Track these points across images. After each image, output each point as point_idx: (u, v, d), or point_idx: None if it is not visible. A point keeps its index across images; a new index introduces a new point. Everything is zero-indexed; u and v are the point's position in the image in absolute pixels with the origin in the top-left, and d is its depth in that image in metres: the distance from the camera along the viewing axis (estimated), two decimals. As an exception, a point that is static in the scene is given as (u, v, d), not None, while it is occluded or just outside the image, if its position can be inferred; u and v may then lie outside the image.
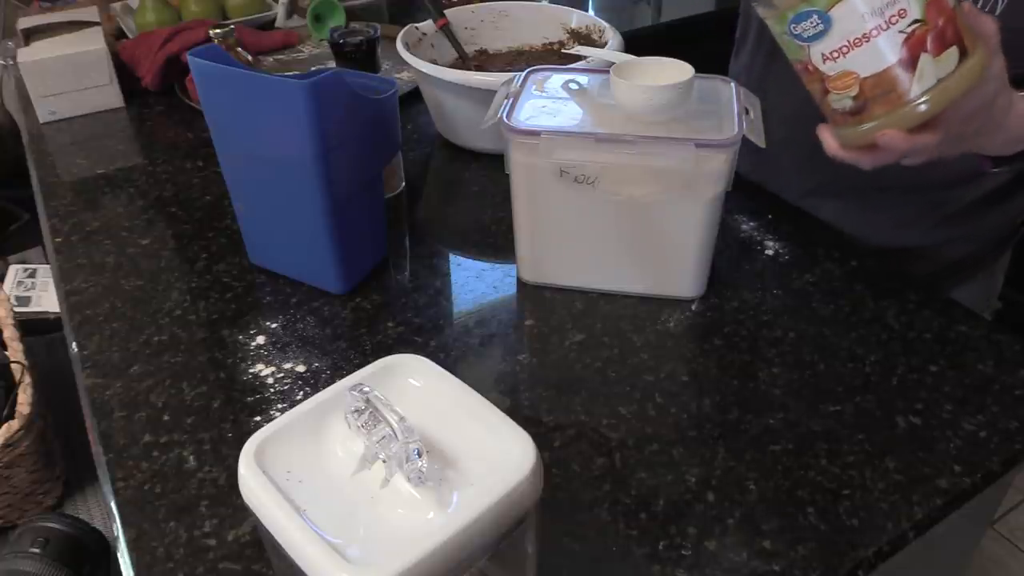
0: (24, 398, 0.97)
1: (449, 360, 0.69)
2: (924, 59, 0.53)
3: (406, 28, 1.02)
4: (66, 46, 1.12)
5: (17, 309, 1.20)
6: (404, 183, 0.93)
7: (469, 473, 0.39)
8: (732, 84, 0.73)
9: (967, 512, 0.59)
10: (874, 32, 0.52)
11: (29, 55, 1.09)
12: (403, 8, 1.47)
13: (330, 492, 0.39)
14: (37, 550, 0.89)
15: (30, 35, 1.15)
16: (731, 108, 0.70)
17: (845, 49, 0.53)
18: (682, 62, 0.71)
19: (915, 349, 0.69)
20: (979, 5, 0.67)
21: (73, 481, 1.06)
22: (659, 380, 0.67)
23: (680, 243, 0.72)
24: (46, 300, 1.30)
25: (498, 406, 0.64)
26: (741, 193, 0.87)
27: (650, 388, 0.66)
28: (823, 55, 0.54)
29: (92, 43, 1.12)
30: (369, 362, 0.68)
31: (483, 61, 1.10)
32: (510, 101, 0.72)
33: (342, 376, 0.67)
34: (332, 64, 0.96)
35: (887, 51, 0.53)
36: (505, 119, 0.69)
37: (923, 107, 0.54)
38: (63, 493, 1.04)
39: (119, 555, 0.55)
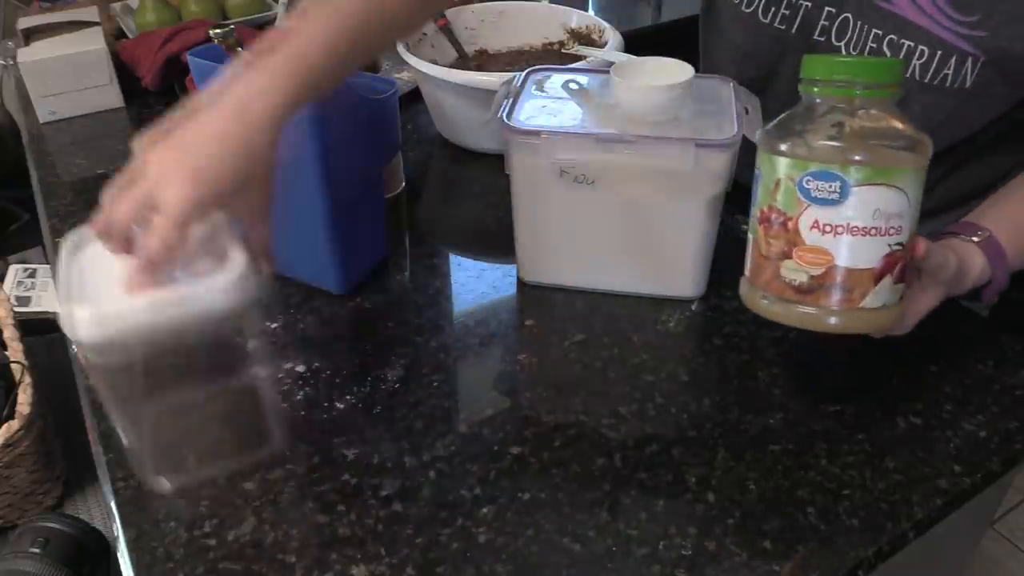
0: (24, 398, 0.97)
1: (449, 360, 0.69)
2: (887, 280, 0.52)
3: (406, 28, 1.02)
4: (66, 46, 1.12)
5: (17, 309, 1.20)
6: (404, 183, 0.93)
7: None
8: (732, 84, 0.73)
9: (967, 512, 0.59)
10: (873, 231, 0.51)
11: (29, 55, 1.09)
12: (403, 8, 1.47)
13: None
14: (37, 550, 0.89)
15: (30, 35, 1.15)
16: (731, 108, 0.70)
17: (841, 230, 0.51)
18: (682, 62, 0.71)
19: (915, 349, 0.69)
20: (951, 79, 0.68)
21: (73, 481, 1.06)
22: (659, 380, 0.67)
23: (680, 243, 0.72)
24: (46, 300, 1.30)
25: (498, 406, 0.64)
26: (741, 193, 0.87)
27: (650, 388, 0.66)
28: (815, 222, 0.51)
29: (92, 43, 1.12)
30: (369, 362, 0.69)
31: (483, 61, 1.10)
32: (510, 101, 0.72)
33: (342, 376, 0.67)
34: (332, 64, 0.96)
35: (871, 254, 0.52)
36: (505, 119, 0.69)
37: (851, 323, 0.53)
38: (63, 493, 1.04)
39: (119, 555, 0.55)
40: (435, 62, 0.97)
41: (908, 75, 0.70)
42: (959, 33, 0.66)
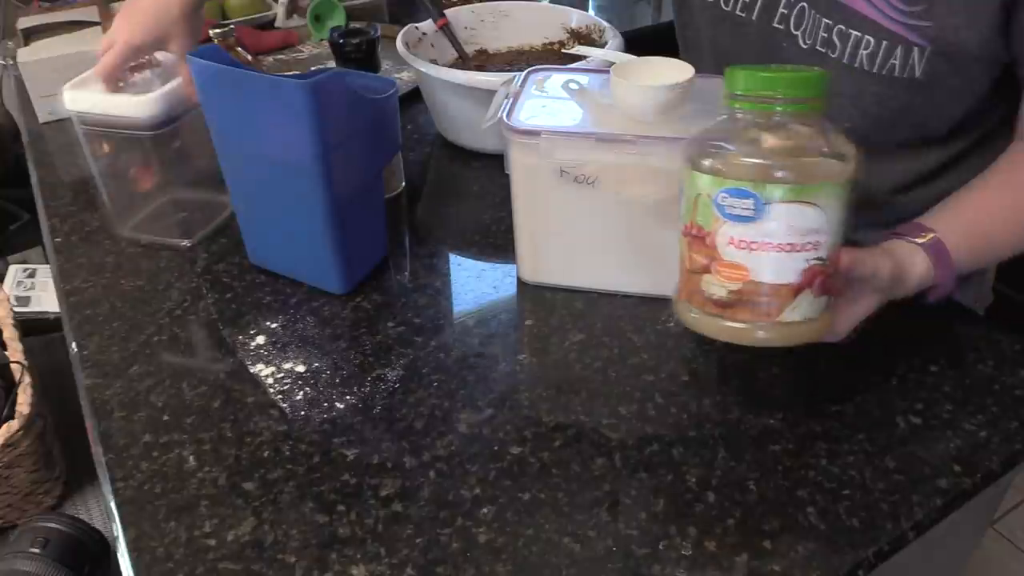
0: (24, 398, 0.97)
1: (449, 360, 0.69)
2: (806, 294, 0.52)
3: (406, 28, 1.02)
4: (66, 46, 1.12)
5: (17, 309, 1.20)
6: (404, 183, 0.93)
7: None
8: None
9: (967, 512, 0.59)
10: (788, 247, 0.50)
11: (29, 55, 1.09)
12: (403, 8, 1.47)
13: None
14: (37, 550, 0.89)
15: (30, 35, 1.15)
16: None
17: (756, 246, 0.51)
18: (682, 62, 0.71)
19: (915, 349, 0.69)
20: (899, 69, 0.69)
21: (73, 481, 1.06)
22: (659, 380, 0.67)
23: (678, 242, 0.71)
24: (46, 300, 1.30)
25: (498, 406, 0.64)
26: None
27: (650, 388, 0.66)
28: (731, 239, 0.51)
29: (92, 43, 1.12)
30: (369, 362, 0.69)
31: (483, 61, 1.10)
32: (510, 101, 0.72)
33: (342, 376, 0.67)
34: (332, 64, 0.96)
35: (788, 270, 0.51)
36: (505, 119, 0.69)
37: (774, 336, 0.53)
38: (63, 493, 1.04)
39: (119, 555, 0.55)
40: (435, 62, 0.97)
41: (856, 65, 0.70)
42: (905, 23, 0.66)
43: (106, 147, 0.83)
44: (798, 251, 0.51)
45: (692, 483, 0.58)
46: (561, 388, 0.66)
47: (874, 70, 0.70)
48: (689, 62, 0.89)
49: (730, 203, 0.50)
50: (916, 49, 0.67)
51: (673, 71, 0.70)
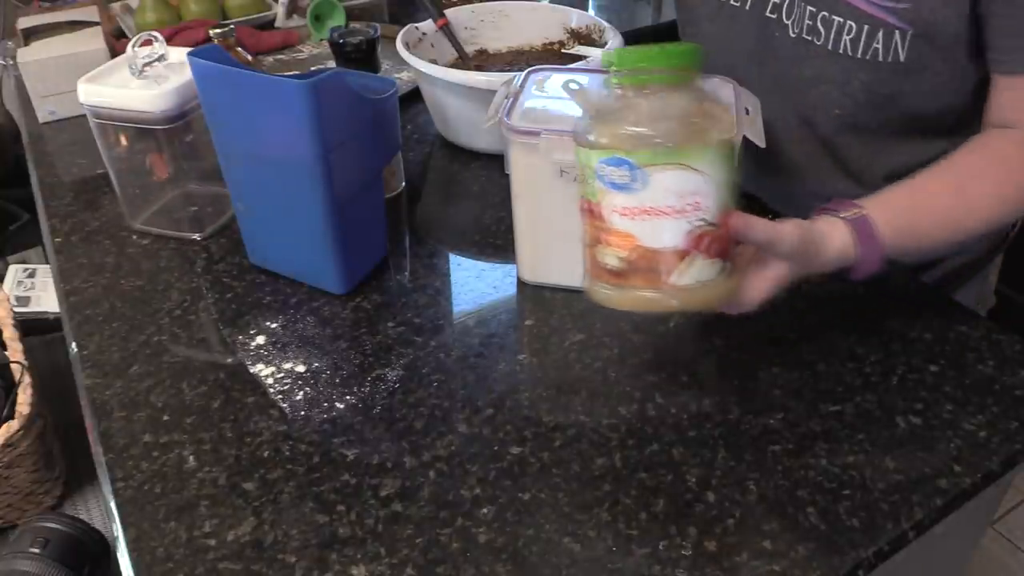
0: (24, 398, 0.97)
1: (449, 360, 0.69)
2: (695, 256, 0.53)
3: (406, 28, 1.02)
4: (66, 46, 1.12)
5: (17, 309, 1.20)
6: (404, 183, 0.93)
7: None
8: (732, 84, 0.73)
9: (967, 512, 0.59)
10: (668, 211, 0.52)
11: (29, 55, 1.09)
12: (403, 8, 1.47)
13: None
14: (37, 550, 0.89)
15: (30, 35, 1.15)
16: (731, 108, 0.70)
17: (638, 212, 0.52)
18: (682, 62, 0.71)
19: (915, 349, 0.69)
20: (883, 54, 0.69)
21: (73, 481, 1.06)
22: (659, 380, 0.67)
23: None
24: (46, 300, 1.30)
25: (498, 406, 0.64)
26: (742, 194, 0.87)
27: (650, 388, 0.66)
28: (615, 208, 0.53)
29: (92, 43, 1.12)
30: (369, 362, 0.69)
31: (483, 61, 1.10)
32: (510, 101, 0.72)
33: (342, 376, 0.67)
34: (332, 64, 0.96)
35: (672, 233, 0.52)
36: (505, 119, 0.69)
37: (674, 301, 0.54)
38: (63, 493, 1.04)
39: (119, 555, 0.55)
40: (435, 62, 0.97)
41: (841, 52, 0.71)
42: (884, 6, 0.67)
43: (119, 140, 0.83)
44: (680, 213, 0.52)
45: (692, 483, 0.58)
46: (561, 388, 0.66)
47: (858, 55, 0.70)
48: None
49: (609, 172, 0.52)
50: (898, 32, 0.67)
51: (673, 71, 0.70)
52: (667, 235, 0.52)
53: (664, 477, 0.58)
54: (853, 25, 0.69)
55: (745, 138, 0.66)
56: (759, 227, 0.56)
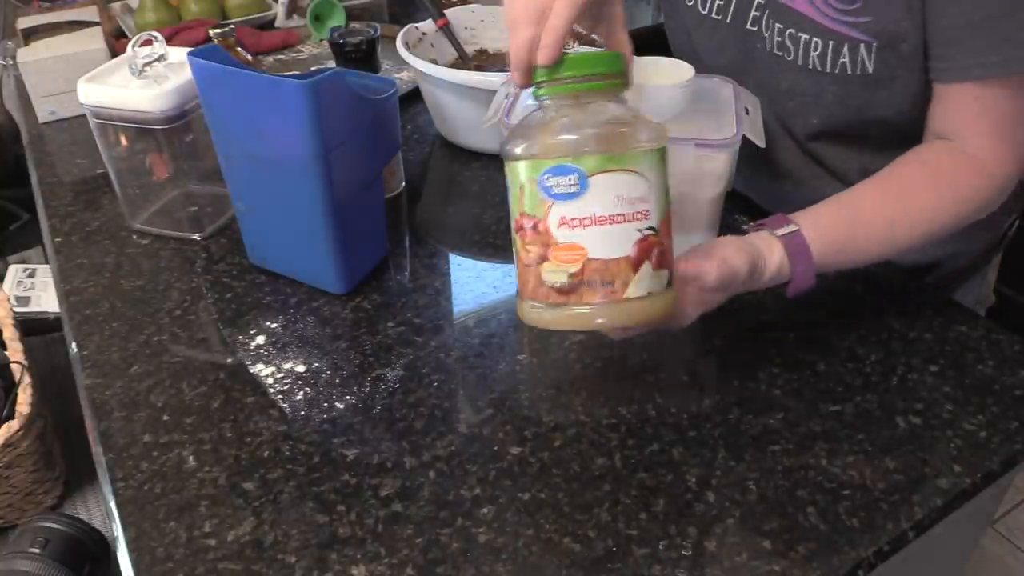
0: (24, 398, 0.97)
1: (449, 360, 0.69)
2: (646, 267, 0.52)
3: (406, 28, 1.02)
4: (66, 46, 1.12)
5: (17, 309, 1.20)
6: (404, 183, 0.93)
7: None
8: (732, 84, 0.73)
9: (967, 512, 0.59)
10: (619, 218, 0.51)
11: (29, 55, 1.09)
12: (403, 8, 1.47)
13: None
14: (37, 550, 0.89)
15: (30, 35, 1.15)
16: (731, 108, 0.70)
17: (587, 222, 0.51)
18: (682, 62, 0.71)
19: (915, 349, 0.69)
20: (851, 67, 0.69)
21: (73, 481, 1.06)
22: (659, 380, 0.67)
23: (680, 243, 0.71)
24: (46, 300, 1.30)
25: (498, 406, 0.64)
26: (741, 193, 0.87)
27: (650, 388, 0.66)
28: (562, 219, 0.51)
29: (92, 43, 1.12)
30: (369, 362, 0.69)
31: (483, 61, 1.10)
32: (510, 101, 0.72)
33: (342, 376, 0.67)
34: (332, 64, 0.96)
35: (623, 242, 0.51)
36: (505, 119, 0.69)
37: (620, 315, 0.53)
38: (63, 493, 1.04)
39: (119, 555, 0.55)
40: (435, 62, 0.97)
41: (811, 67, 0.71)
42: (846, 22, 0.67)
43: (119, 140, 0.83)
44: (628, 221, 0.51)
45: (692, 483, 0.58)
46: (561, 388, 0.66)
47: (827, 70, 0.70)
48: (679, 52, 0.90)
49: (555, 182, 0.51)
50: (862, 46, 0.67)
51: (673, 71, 0.70)
52: (618, 244, 0.51)
53: (664, 477, 0.58)
54: (819, 41, 0.69)
55: (745, 137, 0.66)
56: (723, 275, 0.56)
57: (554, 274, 0.53)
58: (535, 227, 0.53)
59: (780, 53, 0.73)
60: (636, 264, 0.52)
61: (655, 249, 0.52)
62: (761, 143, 0.68)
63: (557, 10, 0.54)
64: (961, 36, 0.62)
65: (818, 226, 0.62)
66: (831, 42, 0.68)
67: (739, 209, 0.86)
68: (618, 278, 0.52)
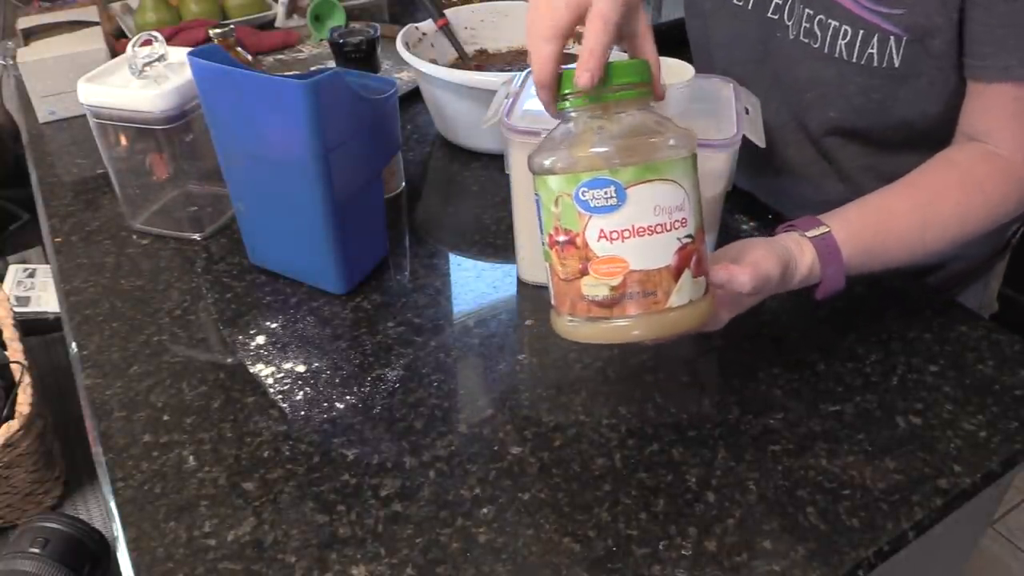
0: (24, 398, 0.97)
1: (449, 360, 0.69)
2: (687, 275, 0.52)
3: (406, 28, 1.02)
4: (66, 46, 1.12)
5: (17, 309, 1.20)
6: (404, 183, 0.93)
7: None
8: (732, 84, 0.73)
9: (967, 512, 0.59)
10: (659, 228, 0.50)
11: (29, 55, 1.09)
12: (403, 8, 1.47)
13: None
14: (37, 550, 0.89)
15: (30, 35, 1.15)
16: (731, 108, 0.70)
17: (627, 234, 0.50)
18: (682, 62, 0.71)
19: (915, 349, 0.69)
20: (877, 59, 0.69)
21: (73, 481, 1.06)
22: (659, 380, 0.67)
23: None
24: (46, 300, 1.30)
25: (498, 406, 0.64)
26: (741, 193, 0.87)
27: (650, 388, 0.66)
28: (602, 232, 0.50)
29: (92, 43, 1.12)
30: (369, 362, 0.69)
31: (483, 61, 1.10)
32: (510, 101, 0.72)
33: (342, 376, 0.67)
34: (332, 64, 0.96)
35: (664, 252, 0.51)
36: (505, 119, 0.69)
37: (676, 320, 0.52)
38: (63, 493, 1.04)
39: (119, 555, 0.55)
40: (435, 62, 0.97)
41: (836, 56, 0.71)
42: (879, 12, 0.67)
43: (119, 140, 0.84)
44: (668, 231, 0.51)
45: (692, 483, 0.58)
46: (561, 388, 0.66)
47: (853, 60, 0.70)
48: (696, 56, 0.90)
49: (592, 195, 0.50)
50: (892, 38, 0.67)
51: (673, 71, 0.70)
52: (658, 254, 0.51)
53: (664, 477, 0.58)
54: (848, 30, 0.69)
55: (744, 137, 0.66)
56: (745, 278, 0.56)
57: (595, 288, 0.52)
58: (572, 241, 0.52)
59: (806, 40, 0.73)
60: (677, 273, 0.51)
61: (693, 256, 0.52)
62: (761, 143, 0.68)
63: (594, 31, 0.53)
64: (1005, 35, 0.62)
65: (849, 228, 0.62)
66: (861, 31, 0.68)
67: (739, 209, 0.86)
68: (660, 288, 0.51)
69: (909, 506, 0.56)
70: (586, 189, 0.50)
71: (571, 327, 0.54)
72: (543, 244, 0.55)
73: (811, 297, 0.74)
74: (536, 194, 0.54)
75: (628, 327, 0.52)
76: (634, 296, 0.51)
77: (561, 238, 0.52)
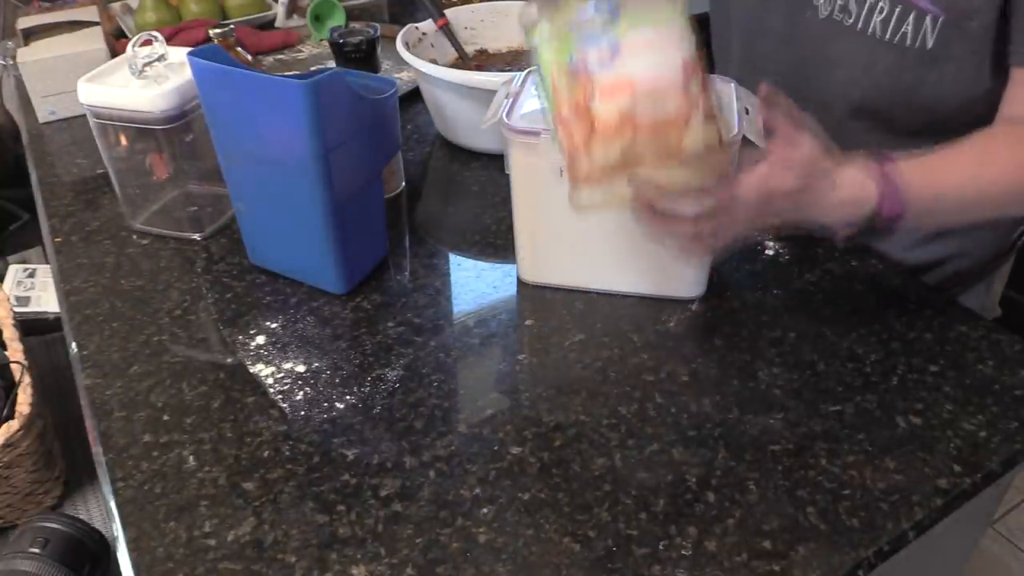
0: (24, 398, 0.97)
1: (449, 360, 0.69)
2: (696, 119, 0.51)
3: (406, 28, 1.02)
4: (66, 46, 1.12)
5: (17, 309, 1.20)
6: (404, 183, 0.93)
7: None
8: (732, 84, 0.73)
9: (967, 512, 0.59)
10: (658, 79, 0.50)
11: (29, 55, 1.09)
12: (403, 8, 1.47)
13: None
14: (37, 550, 0.89)
15: (30, 35, 1.15)
16: (731, 108, 0.70)
17: (627, 87, 0.50)
18: (682, 62, 0.71)
19: (915, 349, 0.69)
20: (911, 38, 0.69)
21: (73, 481, 1.05)
22: (659, 380, 0.67)
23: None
24: (46, 300, 1.30)
25: (498, 406, 0.64)
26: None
27: (650, 388, 0.66)
28: (602, 90, 0.50)
29: (92, 43, 1.12)
30: (369, 362, 0.69)
31: (483, 61, 1.10)
32: (510, 101, 0.72)
33: (342, 376, 0.67)
34: (332, 64, 0.96)
35: (667, 63, 0.50)
36: (505, 119, 0.69)
37: (689, 167, 0.52)
38: (63, 493, 1.04)
39: (119, 555, 0.55)
40: (435, 62, 0.97)
41: (869, 33, 0.71)
42: None
43: (119, 140, 0.84)
44: (667, 80, 0.50)
45: (692, 483, 0.58)
46: (561, 388, 0.66)
47: (886, 37, 0.71)
48: (718, 37, 0.90)
49: (587, 56, 0.50)
50: (929, 17, 0.67)
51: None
52: (666, 65, 0.50)
53: (664, 477, 0.58)
54: (885, 6, 0.70)
55: (745, 137, 0.66)
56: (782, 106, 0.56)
57: (605, 149, 0.52)
58: (576, 109, 0.52)
59: (839, 17, 0.74)
60: (686, 118, 0.51)
61: (698, 70, 0.51)
62: (762, 143, 0.67)
63: None
64: None
65: (912, 165, 0.62)
66: (898, 8, 0.69)
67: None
68: (672, 134, 0.51)
69: (909, 506, 0.56)
70: (581, 49, 0.50)
71: (590, 198, 0.54)
72: (552, 129, 0.55)
73: (811, 297, 0.74)
74: (537, 80, 0.54)
75: (645, 178, 0.52)
76: (645, 147, 0.51)
77: (565, 110, 0.52)
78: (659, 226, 0.60)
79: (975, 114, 0.73)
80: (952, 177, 0.63)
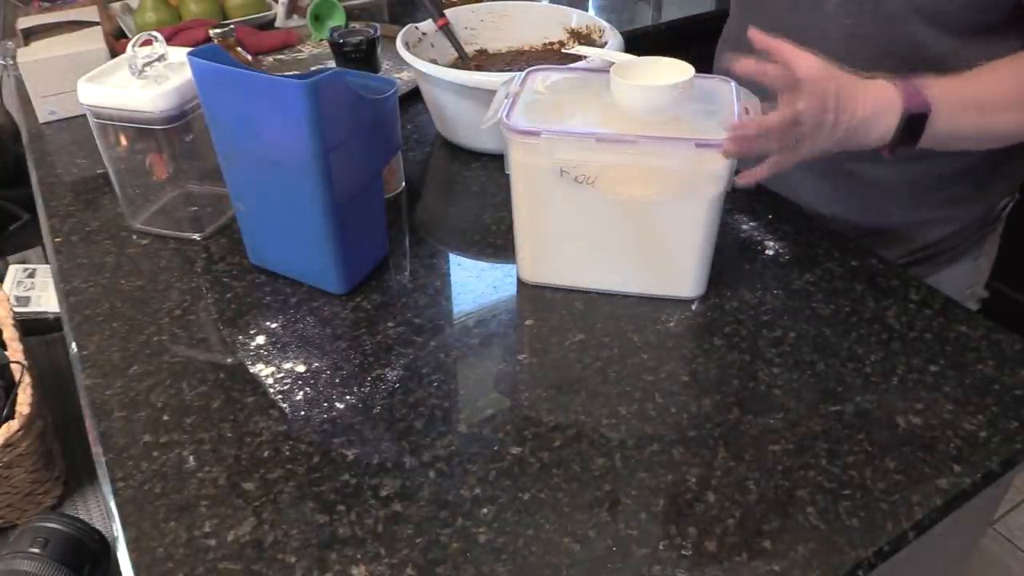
0: (24, 398, 0.97)
1: (449, 360, 0.69)
2: None
3: (406, 28, 1.02)
4: (66, 46, 1.12)
5: (17, 309, 1.20)
6: (404, 183, 0.93)
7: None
8: (732, 84, 0.73)
9: (967, 512, 0.59)
10: None
11: (29, 55, 1.09)
12: (403, 8, 1.47)
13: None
14: (37, 550, 0.89)
15: (30, 35, 1.15)
16: (731, 108, 0.70)
17: None
18: (682, 62, 0.71)
19: (915, 349, 0.69)
20: None
21: (73, 481, 1.05)
22: (659, 380, 0.67)
23: (680, 243, 0.72)
24: (46, 300, 1.30)
25: (498, 406, 0.64)
26: (741, 193, 0.87)
27: (650, 388, 0.66)
28: None
29: (92, 43, 1.12)
30: (369, 362, 0.69)
31: (483, 61, 1.10)
32: (510, 101, 0.72)
33: (342, 376, 0.67)
34: (332, 64, 0.96)
35: None
36: (505, 119, 0.69)
37: None
38: (63, 493, 1.04)
39: (119, 555, 0.55)
40: (435, 62, 0.97)
41: None
42: None
43: (119, 140, 0.84)
44: None
45: (692, 483, 0.58)
46: (561, 388, 0.66)
47: None
48: (727, 39, 0.90)
49: None
50: None
51: (673, 71, 0.70)
52: None
53: (664, 477, 0.58)
54: None
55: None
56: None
57: None
58: None
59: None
60: None
61: None
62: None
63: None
64: None
65: (944, 83, 0.65)
66: None
67: (739, 208, 0.86)
68: None
69: (909, 506, 0.56)
70: None
71: None
72: None
73: (811, 297, 0.74)
74: None
75: None
76: None
77: None
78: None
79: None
80: (977, 85, 0.67)
